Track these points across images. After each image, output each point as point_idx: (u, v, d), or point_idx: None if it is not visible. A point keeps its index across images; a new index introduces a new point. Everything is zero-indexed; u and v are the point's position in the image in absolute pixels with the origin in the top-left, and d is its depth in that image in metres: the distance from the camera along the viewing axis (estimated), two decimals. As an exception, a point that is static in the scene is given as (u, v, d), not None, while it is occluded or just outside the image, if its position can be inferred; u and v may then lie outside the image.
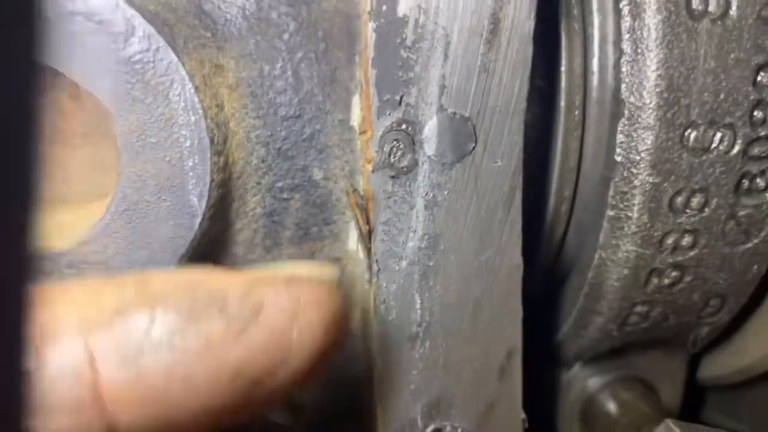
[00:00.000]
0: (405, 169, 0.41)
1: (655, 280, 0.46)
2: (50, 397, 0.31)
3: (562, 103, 0.45)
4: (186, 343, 0.32)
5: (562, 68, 0.44)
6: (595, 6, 0.44)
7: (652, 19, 0.40)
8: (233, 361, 0.33)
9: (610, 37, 0.43)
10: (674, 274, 0.46)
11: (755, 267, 0.47)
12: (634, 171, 0.42)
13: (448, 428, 0.46)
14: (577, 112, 0.45)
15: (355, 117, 0.42)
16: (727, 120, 0.41)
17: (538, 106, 0.45)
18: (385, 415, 0.45)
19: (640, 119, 0.41)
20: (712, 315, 0.49)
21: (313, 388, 0.48)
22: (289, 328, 0.34)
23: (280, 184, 0.43)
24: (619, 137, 0.42)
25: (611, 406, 0.55)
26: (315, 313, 0.34)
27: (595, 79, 0.44)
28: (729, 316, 0.50)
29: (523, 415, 0.46)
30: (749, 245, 0.45)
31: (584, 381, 0.55)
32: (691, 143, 0.41)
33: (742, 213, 0.44)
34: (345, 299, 0.36)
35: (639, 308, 0.47)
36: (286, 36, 0.41)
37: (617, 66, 0.42)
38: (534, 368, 0.52)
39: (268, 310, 0.34)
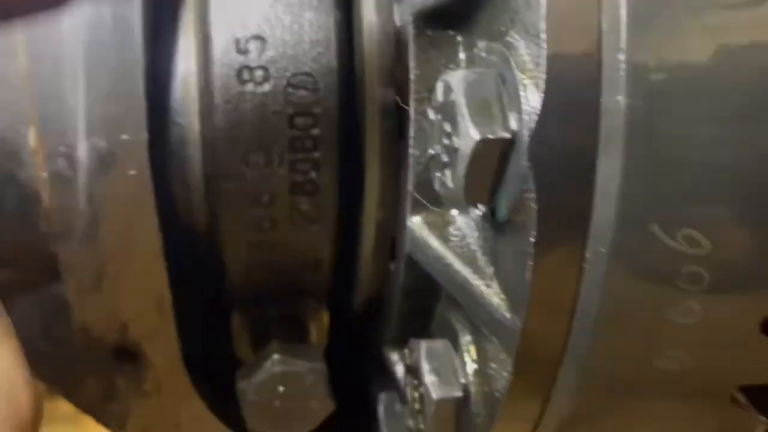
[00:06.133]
0: None
1: (256, 252, 0.68)
2: None
3: None
4: None
5: None
6: None
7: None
8: None
9: None
10: (269, 252, 0.68)
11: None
12: None
13: None
14: None
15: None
16: (274, 149, 0.63)
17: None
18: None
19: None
20: (313, 276, 0.72)
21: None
22: None
23: None
24: None
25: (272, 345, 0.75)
26: None
27: None
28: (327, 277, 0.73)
29: None
30: (315, 227, 0.68)
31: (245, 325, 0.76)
32: (250, 163, 0.64)
33: (303, 207, 0.66)
34: None
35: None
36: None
37: None
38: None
39: None
